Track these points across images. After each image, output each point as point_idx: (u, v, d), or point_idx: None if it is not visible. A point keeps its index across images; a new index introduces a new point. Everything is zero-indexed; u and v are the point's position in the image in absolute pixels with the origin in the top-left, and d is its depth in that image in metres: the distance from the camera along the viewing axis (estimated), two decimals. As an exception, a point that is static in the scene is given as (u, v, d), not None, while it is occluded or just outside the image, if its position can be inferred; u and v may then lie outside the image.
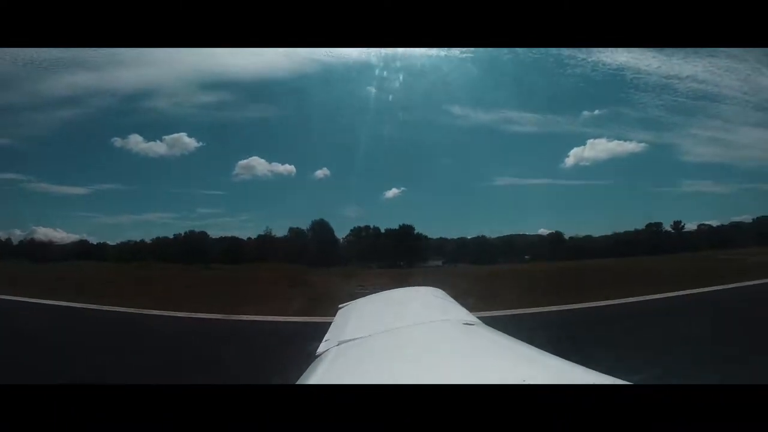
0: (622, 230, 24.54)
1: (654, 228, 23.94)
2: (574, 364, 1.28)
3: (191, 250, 21.99)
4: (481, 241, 24.22)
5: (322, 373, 1.51)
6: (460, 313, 2.32)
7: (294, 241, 23.05)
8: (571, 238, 24.04)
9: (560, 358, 1.35)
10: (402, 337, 1.86)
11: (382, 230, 23.19)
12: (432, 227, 32.45)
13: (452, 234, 25.62)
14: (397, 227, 23.16)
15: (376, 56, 19.65)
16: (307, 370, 1.59)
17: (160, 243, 23.31)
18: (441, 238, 24.22)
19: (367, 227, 23.52)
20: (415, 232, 23.14)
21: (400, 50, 18.89)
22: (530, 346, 1.55)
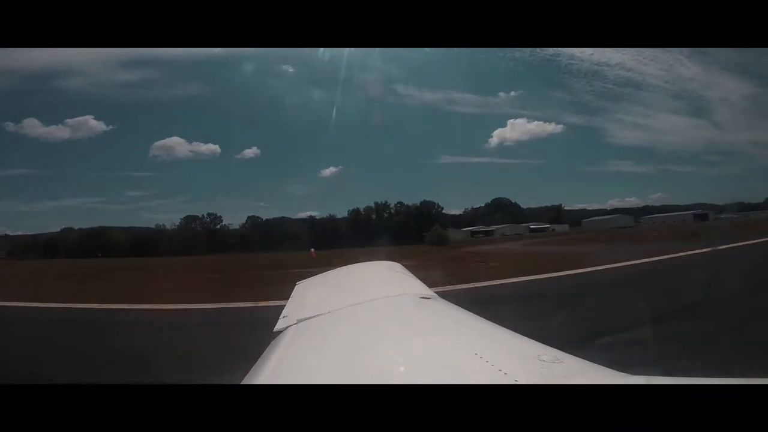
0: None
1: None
2: (523, 337, 1.36)
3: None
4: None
5: (282, 354, 1.50)
6: (417, 286, 2.42)
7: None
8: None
9: (511, 331, 1.44)
10: (360, 313, 1.89)
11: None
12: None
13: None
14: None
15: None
16: (267, 349, 1.57)
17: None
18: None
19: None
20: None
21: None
22: (482, 318, 1.65)
